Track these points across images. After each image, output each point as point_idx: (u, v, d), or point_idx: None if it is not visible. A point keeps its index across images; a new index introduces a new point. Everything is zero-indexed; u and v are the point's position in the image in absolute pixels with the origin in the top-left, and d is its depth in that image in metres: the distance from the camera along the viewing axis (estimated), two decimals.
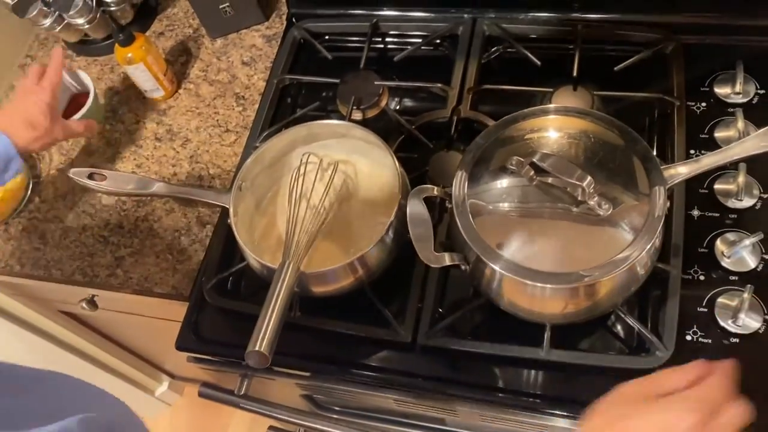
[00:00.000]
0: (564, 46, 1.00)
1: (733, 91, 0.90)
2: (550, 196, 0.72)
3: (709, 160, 0.72)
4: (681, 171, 0.73)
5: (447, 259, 0.72)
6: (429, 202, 0.77)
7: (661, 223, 0.68)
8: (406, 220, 0.80)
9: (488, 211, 0.73)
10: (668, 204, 0.71)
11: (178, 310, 0.97)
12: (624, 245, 0.68)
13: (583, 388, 0.77)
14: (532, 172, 0.71)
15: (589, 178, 0.67)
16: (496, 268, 0.70)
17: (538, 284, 0.68)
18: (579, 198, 0.70)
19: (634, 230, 0.68)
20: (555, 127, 0.76)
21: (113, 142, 1.08)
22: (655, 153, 0.78)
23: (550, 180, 0.71)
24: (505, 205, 0.73)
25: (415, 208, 0.74)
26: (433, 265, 0.73)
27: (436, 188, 0.76)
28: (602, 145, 0.74)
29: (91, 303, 1.11)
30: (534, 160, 0.69)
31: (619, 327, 0.82)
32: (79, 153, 1.09)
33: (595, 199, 0.68)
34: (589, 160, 0.72)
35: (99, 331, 1.41)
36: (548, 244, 0.70)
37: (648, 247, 0.67)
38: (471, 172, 0.74)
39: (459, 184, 0.74)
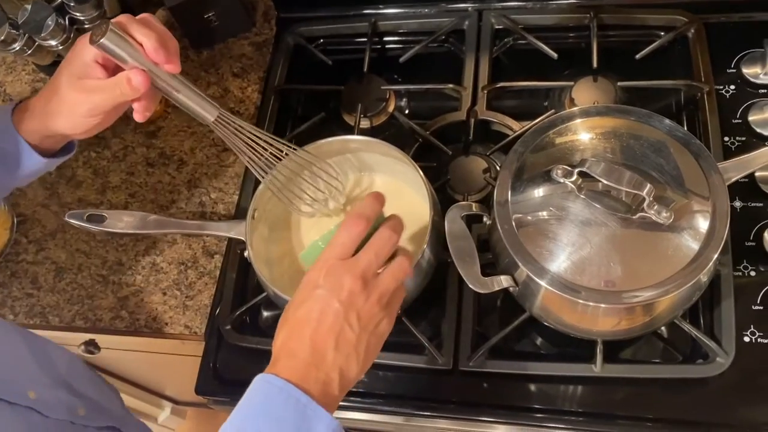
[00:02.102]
0: (578, 34, 0.95)
1: (764, 71, 0.86)
2: (599, 204, 0.66)
3: None
4: (736, 165, 0.68)
5: (496, 284, 0.67)
6: None
7: (727, 227, 0.63)
8: (439, 239, 0.75)
9: (534, 225, 0.67)
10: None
11: (187, 344, 0.91)
12: (688, 254, 0.63)
13: (639, 400, 0.73)
14: (581, 181, 0.66)
15: (648, 185, 0.62)
16: (551, 288, 0.64)
17: (600, 305, 0.63)
18: (634, 206, 0.65)
19: (697, 238, 0.63)
20: (596, 128, 0.71)
21: (101, 171, 1.00)
22: None
23: (600, 188, 0.66)
24: (551, 217, 0.67)
25: (455, 226, 0.69)
26: (481, 291, 0.68)
27: (474, 204, 0.70)
28: (650, 144, 0.68)
29: (93, 345, 1.03)
30: (584, 168, 0.64)
31: (669, 333, 0.78)
32: (65, 186, 1.00)
33: (655, 206, 0.62)
34: (639, 163, 0.67)
35: (98, 366, 1.34)
36: (604, 257, 0.65)
37: (716, 257, 0.62)
38: (512, 184, 0.69)
39: (501, 196, 0.68)
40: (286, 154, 0.75)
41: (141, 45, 0.64)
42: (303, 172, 0.78)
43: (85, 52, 0.66)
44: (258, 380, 0.55)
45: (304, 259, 0.61)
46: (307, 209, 0.78)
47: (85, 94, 0.66)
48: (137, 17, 0.66)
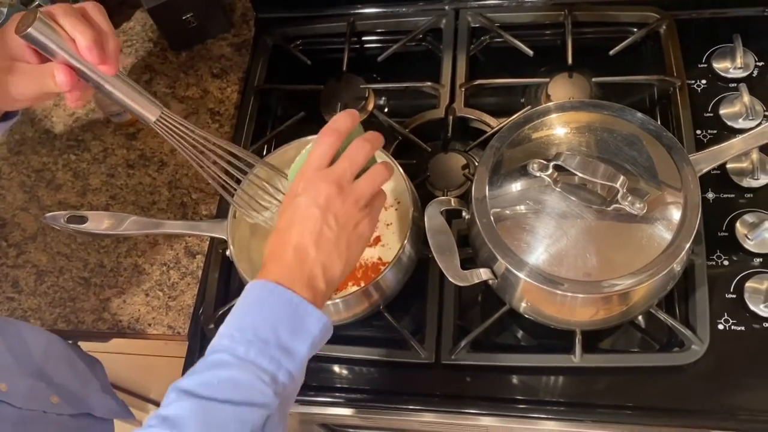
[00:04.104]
0: (554, 31, 0.97)
1: (733, 65, 0.88)
2: (575, 197, 0.68)
3: (742, 145, 0.69)
4: (707, 157, 0.70)
5: (475, 277, 0.68)
6: None
7: (699, 217, 0.65)
8: (420, 235, 0.76)
9: (512, 218, 0.69)
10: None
11: (171, 345, 0.91)
12: (662, 244, 0.64)
13: (618, 388, 0.75)
14: (556, 174, 0.67)
15: (622, 177, 0.63)
16: (530, 279, 0.66)
17: (578, 295, 0.64)
18: (609, 198, 0.66)
19: (670, 228, 0.65)
20: (571, 123, 0.72)
21: (81, 174, 1.00)
22: None
23: (576, 180, 0.67)
24: (528, 211, 0.69)
25: (435, 221, 0.70)
26: (461, 284, 0.69)
27: (453, 199, 0.72)
28: (623, 138, 0.70)
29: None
30: (559, 162, 0.65)
31: (646, 322, 0.79)
32: (44, 189, 1.00)
33: (628, 198, 0.64)
34: (613, 156, 0.68)
35: None
36: (580, 248, 0.66)
37: (688, 246, 0.63)
38: (490, 179, 0.70)
39: (479, 191, 0.70)
40: (236, 156, 0.72)
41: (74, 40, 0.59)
42: (252, 177, 0.76)
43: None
44: (250, 286, 0.58)
45: (290, 176, 0.64)
46: (256, 217, 0.75)
47: (12, 77, 0.62)
48: (77, 5, 0.61)
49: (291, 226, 0.59)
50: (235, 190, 0.72)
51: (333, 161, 0.61)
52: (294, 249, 0.58)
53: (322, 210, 0.59)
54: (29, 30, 0.57)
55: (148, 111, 0.64)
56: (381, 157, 0.79)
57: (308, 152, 0.62)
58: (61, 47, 0.58)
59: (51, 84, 0.60)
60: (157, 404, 1.66)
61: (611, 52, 0.91)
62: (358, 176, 0.61)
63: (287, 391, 0.55)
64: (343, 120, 0.62)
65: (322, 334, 0.57)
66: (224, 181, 0.70)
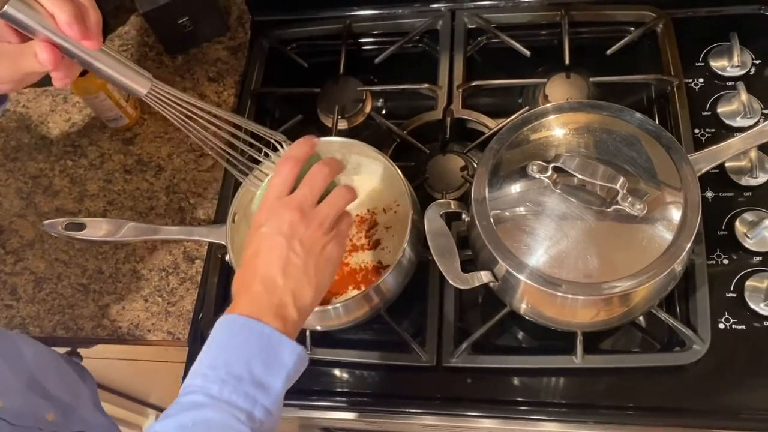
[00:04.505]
0: (550, 32, 0.97)
1: (731, 63, 0.88)
2: (575, 198, 0.68)
3: (741, 144, 0.69)
4: (706, 157, 0.70)
5: (476, 280, 0.68)
6: None
7: (699, 217, 0.64)
8: (419, 237, 0.75)
9: (511, 220, 0.68)
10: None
11: (171, 350, 0.91)
12: (662, 244, 0.64)
13: (620, 389, 0.75)
14: (556, 176, 0.67)
15: (621, 178, 0.63)
16: (530, 281, 0.65)
17: (579, 297, 0.64)
18: (609, 199, 0.66)
19: (670, 229, 0.64)
20: (569, 124, 0.72)
21: (78, 180, 1.00)
22: None
23: (575, 182, 0.67)
24: (528, 212, 0.68)
25: (434, 224, 0.70)
26: (462, 287, 0.69)
27: (452, 202, 0.71)
28: (622, 138, 0.70)
29: (75, 355, 1.02)
30: (558, 163, 0.65)
31: (647, 322, 0.79)
32: (41, 195, 1.00)
33: (628, 199, 0.64)
34: (612, 157, 0.68)
35: None
36: (581, 250, 0.66)
37: (689, 246, 0.63)
38: (489, 181, 0.70)
39: (478, 193, 0.69)
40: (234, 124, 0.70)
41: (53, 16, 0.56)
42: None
43: None
44: (221, 321, 0.57)
45: (253, 208, 0.65)
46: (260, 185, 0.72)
47: None
48: None
49: (257, 256, 0.59)
50: (235, 158, 0.70)
51: (294, 189, 0.61)
52: (262, 279, 0.58)
53: (287, 237, 0.59)
54: (6, 8, 0.55)
55: (138, 84, 0.62)
56: (379, 159, 0.79)
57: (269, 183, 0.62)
58: (41, 24, 0.56)
59: (35, 63, 0.57)
60: (157, 409, 1.66)
61: (608, 52, 0.91)
62: (321, 201, 0.62)
63: (264, 427, 0.54)
64: (299, 147, 0.63)
65: (296, 366, 0.56)
66: (222, 149, 0.68)
